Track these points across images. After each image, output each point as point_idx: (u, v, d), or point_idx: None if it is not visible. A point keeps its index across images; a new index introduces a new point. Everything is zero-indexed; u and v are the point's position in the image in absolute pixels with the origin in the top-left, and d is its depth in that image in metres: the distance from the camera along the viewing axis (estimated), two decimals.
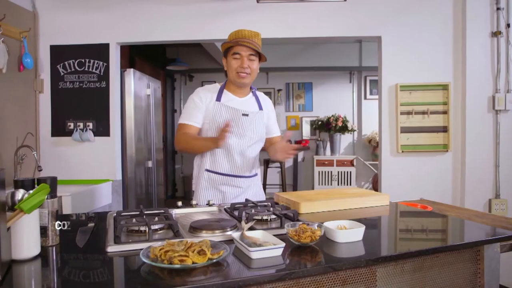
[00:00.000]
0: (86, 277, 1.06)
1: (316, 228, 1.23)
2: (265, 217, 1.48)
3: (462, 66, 3.09)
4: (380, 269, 1.18)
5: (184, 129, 1.94)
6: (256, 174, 2.11)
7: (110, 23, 3.27)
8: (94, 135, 3.27)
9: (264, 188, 6.63)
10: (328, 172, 6.45)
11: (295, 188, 6.72)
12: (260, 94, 2.14)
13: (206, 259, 1.03)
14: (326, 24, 3.22)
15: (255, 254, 1.08)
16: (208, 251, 1.05)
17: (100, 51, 3.27)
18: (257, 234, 1.22)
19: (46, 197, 1.09)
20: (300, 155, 6.88)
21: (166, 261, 1.02)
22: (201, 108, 1.94)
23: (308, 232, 1.19)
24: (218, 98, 1.96)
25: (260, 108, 2.05)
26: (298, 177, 6.76)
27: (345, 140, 6.74)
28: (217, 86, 2.03)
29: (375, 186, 5.86)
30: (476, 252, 1.33)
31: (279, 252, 1.11)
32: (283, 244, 1.11)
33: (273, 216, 1.48)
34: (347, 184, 6.42)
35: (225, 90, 2.00)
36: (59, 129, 3.30)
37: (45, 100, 3.30)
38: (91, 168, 3.28)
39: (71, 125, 3.27)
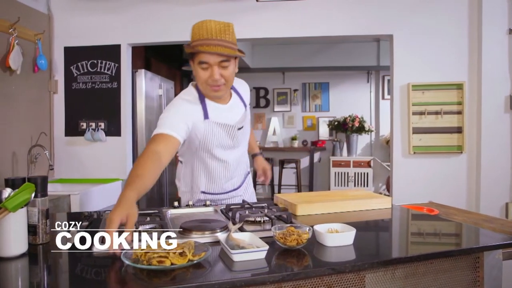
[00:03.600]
0: (69, 276, 1.07)
1: (306, 231, 1.20)
2: (258, 219, 1.47)
3: (478, 64, 2.98)
4: (369, 275, 1.14)
5: (160, 141, 1.46)
6: (248, 173, 1.99)
7: (121, 24, 3.32)
8: (106, 135, 3.32)
9: (280, 189, 6.62)
10: (344, 173, 6.36)
11: (311, 189, 6.65)
12: (239, 85, 1.80)
13: (186, 260, 1.02)
14: (336, 22, 3.17)
15: (237, 256, 1.06)
16: (189, 252, 1.04)
17: (111, 52, 3.32)
18: (244, 237, 1.20)
19: (31, 195, 1.10)
20: (317, 156, 6.82)
21: (145, 262, 1.01)
22: (187, 120, 1.57)
23: (294, 235, 1.16)
24: (206, 115, 1.62)
25: (245, 104, 1.80)
26: (314, 178, 6.69)
27: (362, 141, 6.63)
28: (194, 94, 1.66)
29: (389, 187, 5.74)
30: (475, 259, 1.27)
31: (262, 255, 1.09)
32: (267, 247, 1.09)
33: (266, 218, 1.46)
34: (364, 186, 6.31)
35: (206, 101, 1.65)
36: (72, 129, 3.37)
37: (59, 101, 3.37)
38: (103, 167, 3.34)
39: (84, 125, 3.33)
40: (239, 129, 1.72)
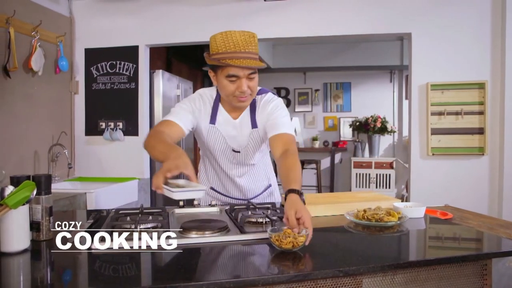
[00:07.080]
0: (64, 273, 1.09)
1: (303, 233, 1.17)
2: (260, 220, 1.45)
3: (501, 62, 2.85)
4: (367, 280, 1.11)
5: (165, 125, 1.55)
6: (269, 185, 1.88)
7: (139, 26, 3.38)
8: (124, 135, 3.39)
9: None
10: (366, 174, 6.25)
11: (331, 190, 6.56)
12: (259, 103, 1.67)
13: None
14: (353, 21, 3.11)
15: (178, 195, 1.14)
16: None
17: (130, 53, 3.39)
18: (180, 181, 1.26)
19: (32, 193, 1.13)
20: (338, 156, 6.73)
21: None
22: (194, 114, 1.63)
23: (290, 238, 1.14)
24: (213, 119, 1.65)
25: (254, 126, 1.66)
26: (335, 179, 6.61)
27: (384, 142, 6.49)
28: (213, 96, 1.67)
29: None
30: (482, 266, 1.21)
31: (201, 194, 1.20)
32: (205, 188, 1.16)
33: (268, 220, 1.45)
34: (386, 187, 6.18)
35: (220, 107, 1.66)
36: (92, 129, 3.46)
37: (79, 101, 3.47)
38: (121, 166, 3.41)
39: (103, 124, 3.41)
40: (234, 151, 1.69)
